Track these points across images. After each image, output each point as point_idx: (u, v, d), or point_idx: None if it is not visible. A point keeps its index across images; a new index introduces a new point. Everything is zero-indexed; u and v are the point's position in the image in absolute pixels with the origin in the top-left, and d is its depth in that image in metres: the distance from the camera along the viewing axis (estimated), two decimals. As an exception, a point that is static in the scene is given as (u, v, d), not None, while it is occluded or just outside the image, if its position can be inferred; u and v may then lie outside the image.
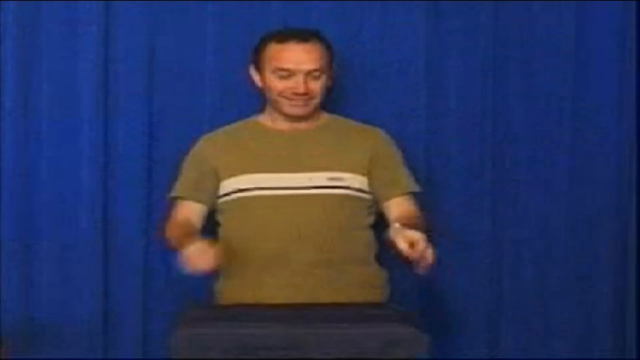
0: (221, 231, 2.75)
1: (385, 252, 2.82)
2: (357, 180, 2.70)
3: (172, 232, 2.69)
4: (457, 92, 3.04)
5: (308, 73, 2.66)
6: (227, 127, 2.82)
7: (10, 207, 2.94)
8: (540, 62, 3.05)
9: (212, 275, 2.77)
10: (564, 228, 3.08)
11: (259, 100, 2.79)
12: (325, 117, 2.80)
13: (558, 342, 3.09)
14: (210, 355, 2.26)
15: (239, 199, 2.70)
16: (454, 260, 3.06)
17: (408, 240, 2.38)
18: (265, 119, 2.78)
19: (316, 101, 2.71)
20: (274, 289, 2.64)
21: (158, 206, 2.97)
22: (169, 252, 2.97)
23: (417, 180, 2.89)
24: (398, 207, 2.71)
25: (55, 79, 2.94)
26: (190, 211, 2.74)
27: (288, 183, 2.68)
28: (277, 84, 2.68)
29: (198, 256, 2.43)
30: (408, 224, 2.47)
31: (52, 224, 2.97)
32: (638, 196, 3.07)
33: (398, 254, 2.40)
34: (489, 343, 3.08)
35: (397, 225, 2.44)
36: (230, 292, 2.71)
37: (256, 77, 2.74)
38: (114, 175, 2.97)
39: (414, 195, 2.77)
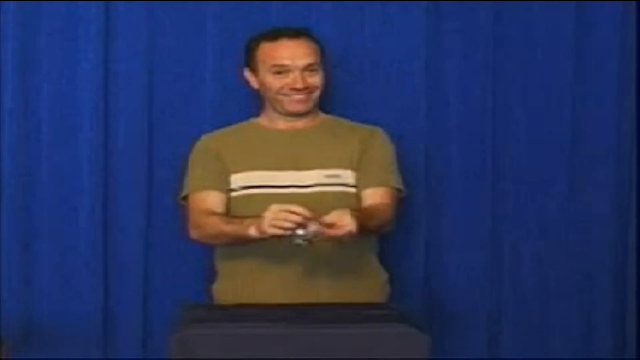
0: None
1: (389, 252, 2.83)
2: (352, 177, 2.70)
3: (215, 225, 2.63)
4: (457, 92, 3.04)
5: (304, 68, 2.66)
6: (226, 128, 2.82)
7: (10, 207, 2.94)
8: (540, 62, 3.05)
9: (211, 276, 2.78)
10: (564, 228, 3.08)
11: (258, 100, 2.79)
12: (323, 117, 2.80)
13: (558, 342, 3.10)
14: (210, 355, 2.26)
15: (238, 197, 2.69)
16: (454, 260, 3.06)
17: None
18: (263, 120, 2.78)
19: (316, 96, 2.71)
20: (273, 289, 2.63)
21: (158, 206, 2.97)
22: (170, 253, 3.00)
23: (417, 180, 2.90)
24: (371, 197, 2.67)
25: (55, 79, 2.94)
26: (212, 200, 2.68)
27: (287, 181, 2.68)
28: (274, 82, 2.68)
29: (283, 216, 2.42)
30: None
31: (52, 224, 2.97)
32: (638, 196, 3.07)
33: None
34: (489, 343, 3.08)
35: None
36: (229, 292, 2.71)
37: (252, 79, 2.74)
38: (114, 175, 2.97)
39: (397, 193, 2.72)
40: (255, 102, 2.80)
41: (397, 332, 2.30)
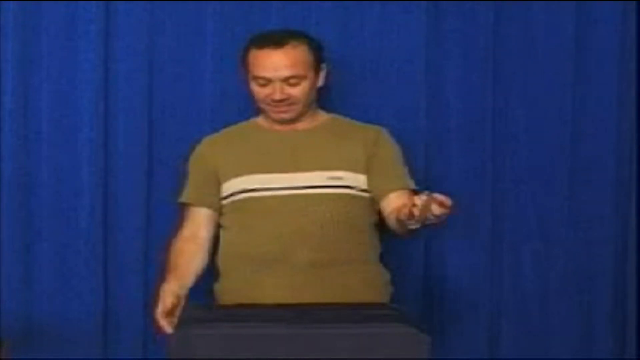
0: (222, 233, 2.75)
1: (389, 252, 2.83)
2: (356, 179, 2.70)
3: (170, 256, 2.74)
4: (457, 92, 3.04)
5: (285, 80, 2.65)
6: (227, 129, 2.82)
7: (10, 207, 2.94)
8: (540, 62, 3.05)
9: (212, 276, 2.78)
10: (564, 228, 3.08)
11: (258, 101, 2.80)
12: (324, 116, 2.80)
13: (558, 342, 3.10)
14: (210, 355, 2.26)
15: (239, 200, 2.70)
16: (454, 260, 3.06)
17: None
18: (262, 121, 2.79)
19: (300, 105, 2.70)
20: (274, 289, 2.63)
21: (158, 206, 2.97)
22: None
23: (417, 180, 2.89)
24: (398, 199, 2.65)
25: (55, 79, 2.94)
26: (199, 220, 2.75)
27: (288, 183, 2.68)
28: (257, 91, 2.69)
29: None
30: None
31: (52, 224, 2.97)
32: (638, 196, 3.07)
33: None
34: (489, 343, 3.08)
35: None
36: (230, 292, 2.71)
37: (247, 82, 2.74)
38: (114, 175, 2.97)
39: (413, 193, 2.75)
40: (255, 103, 2.81)
41: (397, 332, 2.30)
